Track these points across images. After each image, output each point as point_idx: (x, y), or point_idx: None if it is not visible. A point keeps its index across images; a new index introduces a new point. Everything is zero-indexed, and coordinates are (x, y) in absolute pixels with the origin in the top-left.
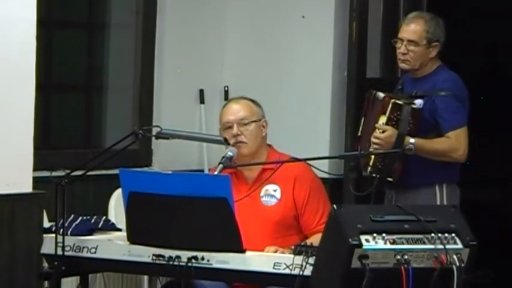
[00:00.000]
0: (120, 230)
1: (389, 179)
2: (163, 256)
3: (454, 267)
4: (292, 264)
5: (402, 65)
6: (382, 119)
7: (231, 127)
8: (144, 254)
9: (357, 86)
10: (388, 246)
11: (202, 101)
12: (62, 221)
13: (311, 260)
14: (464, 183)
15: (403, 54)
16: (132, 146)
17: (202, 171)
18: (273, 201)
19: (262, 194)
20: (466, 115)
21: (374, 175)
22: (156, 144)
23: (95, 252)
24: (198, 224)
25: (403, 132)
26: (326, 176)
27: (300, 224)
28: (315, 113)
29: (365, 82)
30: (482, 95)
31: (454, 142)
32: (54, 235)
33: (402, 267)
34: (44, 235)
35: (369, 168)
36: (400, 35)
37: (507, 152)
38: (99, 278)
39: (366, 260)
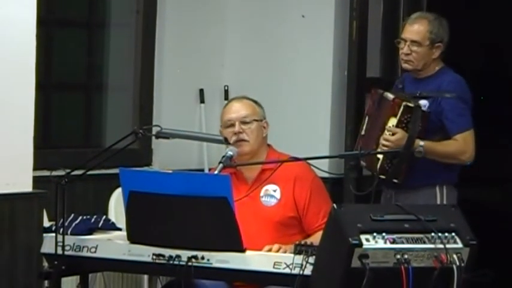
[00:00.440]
0: (120, 229)
1: (395, 180)
2: (163, 255)
3: (454, 266)
4: (292, 263)
5: (405, 65)
6: (393, 121)
7: (232, 125)
8: (144, 253)
9: (357, 85)
10: (388, 245)
11: (202, 101)
12: (62, 220)
13: (311, 260)
14: (465, 183)
15: (406, 54)
16: (132, 145)
17: (202, 170)
18: (273, 201)
19: (262, 194)
20: (471, 117)
21: (381, 176)
22: (156, 144)
23: (95, 252)
24: (198, 224)
25: (414, 135)
26: (326, 175)
27: (303, 224)
28: (315, 113)
29: (365, 82)
30: (482, 94)
31: (462, 144)
32: (54, 234)
33: (402, 267)
34: (44, 234)
35: (377, 170)
36: (403, 35)
37: (507, 152)
38: (99, 277)
39: (366, 259)
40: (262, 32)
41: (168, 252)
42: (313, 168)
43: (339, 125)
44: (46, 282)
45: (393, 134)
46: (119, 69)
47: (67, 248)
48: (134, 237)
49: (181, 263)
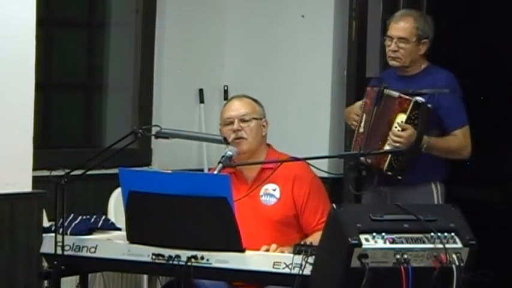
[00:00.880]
0: (119, 229)
1: (399, 177)
2: (162, 255)
3: (453, 266)
4: (292, 263)
5: (392, 63)
6: (402, 117)
7: (232, 123)
8: (144, 253)
9: (356, 85)
10: (388, 245)
11: (202, 101)
12: (61, 220)
13: (310, 260)
14: (465, 183)
15: (394, 51)
16: (132, 145)
17: (202, 170)
18: (273, 200)
19: (261, 193)
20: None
21: (389, 173)
22: (156, 144)
23: (94, 252)
24: (197, 224)
25: (423, 131)
26: (325, 175)
27: (300, 223)
28: (315, 112)
29: (364, 81)
30: (482, 94)
31: (462, 140)
32: (53, 234)
33: (402, 267)
34: (44, 234)
35: (385, 167)
36: (389, 33)
37: (507, 152)
38: (99, 277)
39: (365, 259)
40: (262, 32)
41: (167, 252)
42: (313, 168)
43: (339, 124)
44: (46, 282)
45: (403, 130)
46: (118, 69)
47: (67, 248)
48: (134, 237)
49: (180, 263)
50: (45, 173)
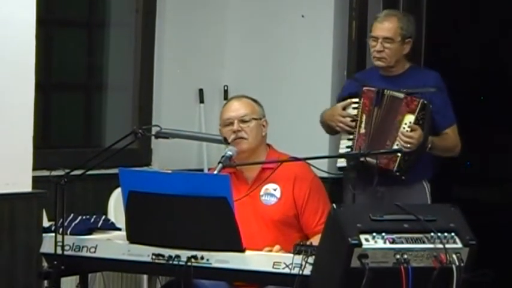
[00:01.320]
0: (119, 229)
1: (403, 177)
2: (162, 255)
3: (453, 266)
4: (292, 263)
5: (378, 63)
6: (410, 118)
7: (231, 123)
8: (144, 253)
9: None
10: (388, 245)
11: (201, 101)
12: (61, 220)
13: (310, 260)
14: (465, 183)
15: (379, 51)
16: (132, 145)
17: (201, 170)
18: (273, 200)
19: (262, 193)
20: None
21: (398, 173)
22: (156, 144)
23: (94, 252)
24: (197, 224)
25: (429, 131)
26: (326, 175)
27: (300, 223)
28: (315, 112)
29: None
30: (482, 94)
31: (454, 138)
32: (53, 234)
33: (402, 267)
34: (44, 234)
35: (395, 167)
36: (374, 34)
37: (507, 152)
38: (99, 277)
39: (365, 259)
40: (262, 32)
41: (167, 252)
42: (313, 169)
43: None
44: (45, 282)
45: (411, 131)
46: (118, 69)
47: (66, 248)
48: (134, 237)
49: (180, 263)
50: (45, 173)
